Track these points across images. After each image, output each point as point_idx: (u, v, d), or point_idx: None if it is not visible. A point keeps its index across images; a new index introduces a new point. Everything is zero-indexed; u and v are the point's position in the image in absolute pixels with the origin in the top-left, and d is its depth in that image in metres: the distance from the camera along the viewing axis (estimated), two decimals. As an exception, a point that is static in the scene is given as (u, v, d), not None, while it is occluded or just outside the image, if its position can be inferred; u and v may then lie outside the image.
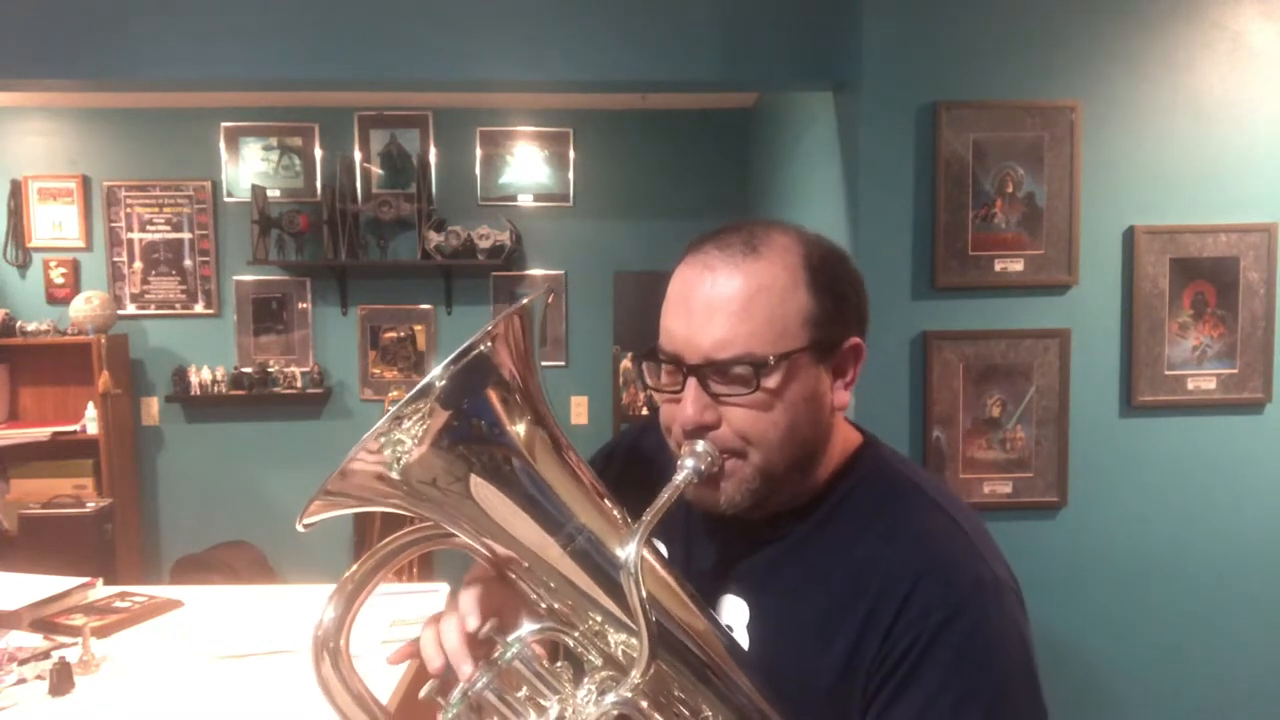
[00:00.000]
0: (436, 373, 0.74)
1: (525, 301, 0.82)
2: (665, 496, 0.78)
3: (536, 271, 4.19)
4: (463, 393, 0.76)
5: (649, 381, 0.91)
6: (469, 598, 0.84)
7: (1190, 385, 2.33)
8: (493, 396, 0.78)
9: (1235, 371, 2.33)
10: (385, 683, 1.56)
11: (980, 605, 0.79)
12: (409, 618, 1.90)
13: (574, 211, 4.20)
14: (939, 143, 2.24)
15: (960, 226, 2.26)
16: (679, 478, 0.81)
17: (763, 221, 0.89)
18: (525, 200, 4.18)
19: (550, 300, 4.19)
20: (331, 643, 0.85)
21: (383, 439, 0.75)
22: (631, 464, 1.05)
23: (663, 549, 0.98)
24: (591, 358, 4.18)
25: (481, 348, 0.76)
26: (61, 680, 1.63)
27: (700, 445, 0.83)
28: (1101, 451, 2.33)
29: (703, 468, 0.82)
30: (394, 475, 0.76)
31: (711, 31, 2.40)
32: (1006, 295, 2.29)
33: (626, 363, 4.04)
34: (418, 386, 0.74)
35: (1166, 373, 2.32)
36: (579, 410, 4.22)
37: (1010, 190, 2.26)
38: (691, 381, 0.84)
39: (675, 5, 2.39)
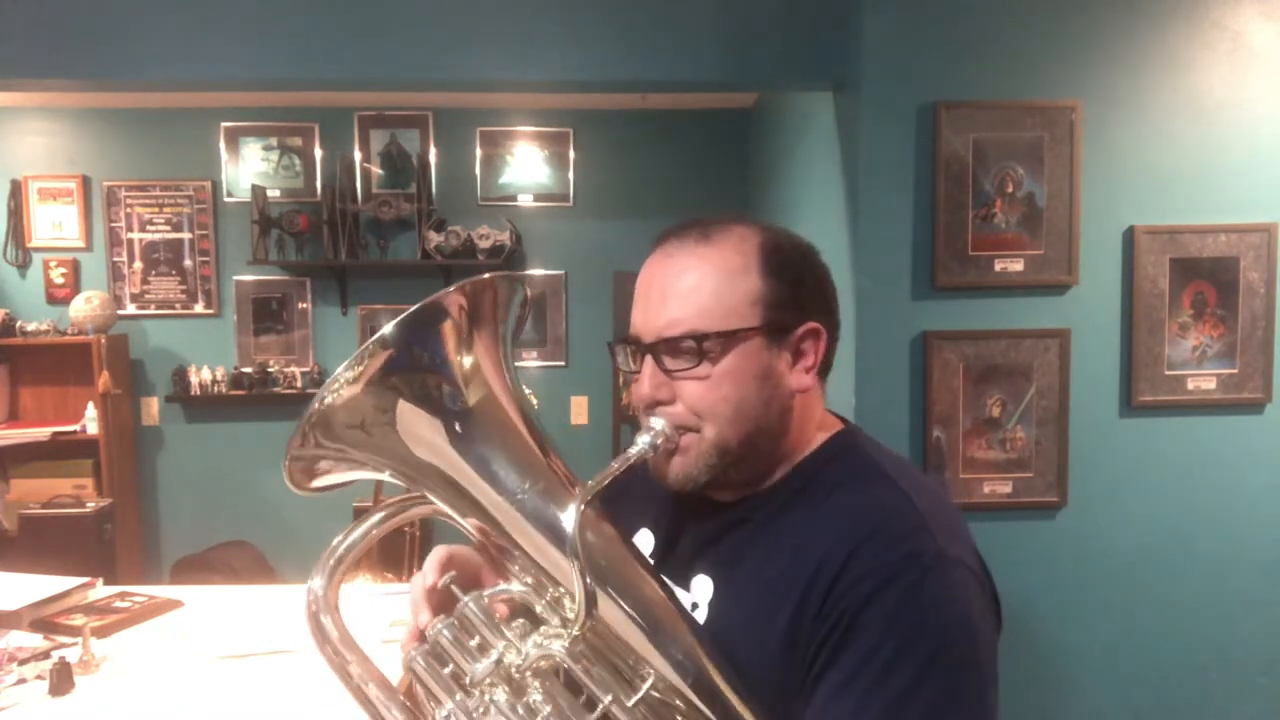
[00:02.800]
0: (391, 324, 0.83)
1: (487, 276, 0.90)
2: (615, 465, 0.84)
3: (537, 271, 4.20)
4: (417, 344, 0.85)
5: (620, 366, 0.97)
6: (433, 557, 0.92)
7: (1190, 385, 2.33)
8: (444, 346, 0.86)
9: (1235, 371, 2.33)
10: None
11: (916, 574, 0.80)
12: (409, 617, 1.89)
13: (574, 211, 4.20)
14: (939, 143, 2.24)
15: (960, 226, 2.25)
16: (633, 450, 0.87)
17: (728, 215, 0.95)
18: (525, 200, 4.18)
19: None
20: (328, 611, 0.93)
21: (334, 382, 0.84)
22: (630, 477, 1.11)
23: (649, 539, 1.02)
24: (591, 358, 4.18)
25: (441, 300, 0.85)
26: (61, 680, 1.63)
27: (656, 422, 0.89)
28: (1101, 451, 2.33)
29: (658, 443, 0.88)
30: (336, 415, 0.85)
31: (711, 31, 2.40)
32: (1006, 295, 2.29)
33: (626, 363, 4.04)
34: (374, 337, 0.83)
35: (1166, 373, 2.32)
36: (579, 410, 4.22)
37: (1010, 190, 2.26)
38: (647, 359, 0.90)
39: (675, 5, 2.39)
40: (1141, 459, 2.34)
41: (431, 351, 0.86)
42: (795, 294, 0.90)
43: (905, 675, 0.77)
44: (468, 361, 0.87)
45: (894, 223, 2.27)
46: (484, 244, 3.97)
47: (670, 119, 4.16)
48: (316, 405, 0.86)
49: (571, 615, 0.83)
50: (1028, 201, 2.26)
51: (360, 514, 0.98)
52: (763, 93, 3.77)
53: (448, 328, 0.87)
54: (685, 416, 0.89)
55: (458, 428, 0.86)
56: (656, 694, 0.82)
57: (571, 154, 4.18)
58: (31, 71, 2.38)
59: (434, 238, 3.96)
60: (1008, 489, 2.31)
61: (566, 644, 0.81)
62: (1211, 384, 2.33)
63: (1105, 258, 2.30)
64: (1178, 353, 2.32)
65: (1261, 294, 2.32)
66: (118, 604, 2.05)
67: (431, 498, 0.90)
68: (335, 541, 0.95)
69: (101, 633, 1.87)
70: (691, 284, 0.88)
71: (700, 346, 0.87)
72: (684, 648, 0.83)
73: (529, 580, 0.86)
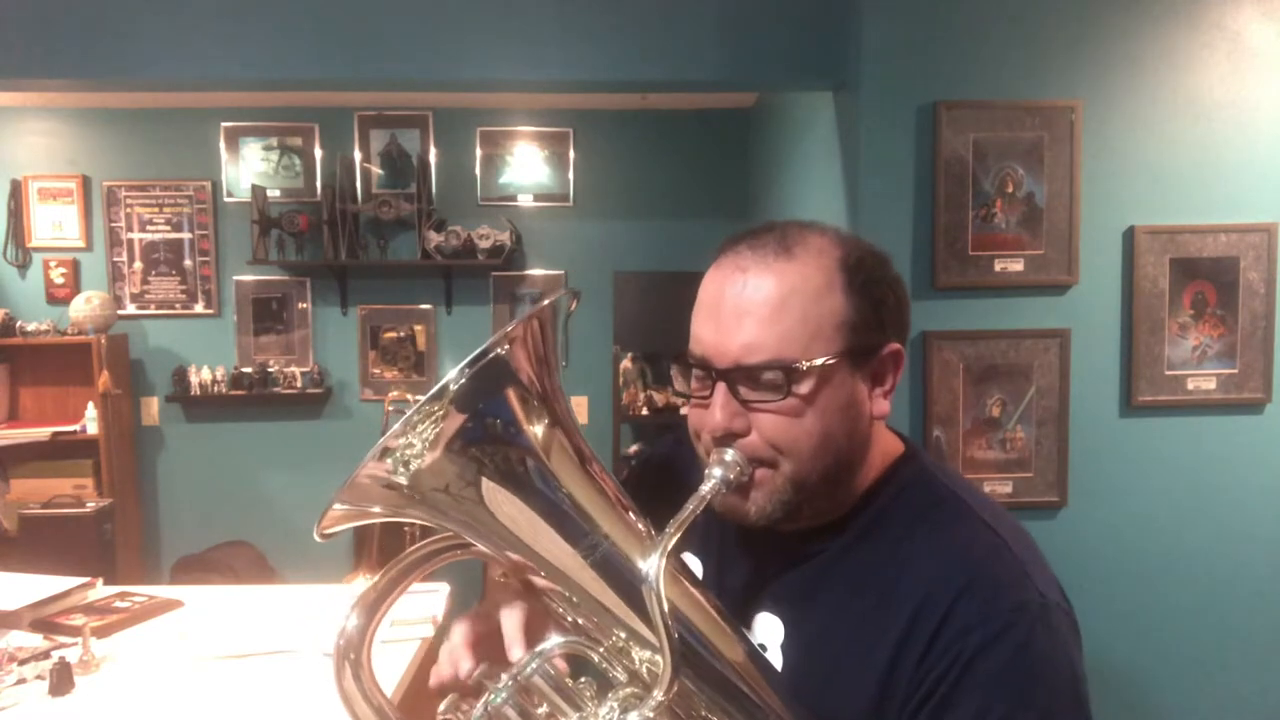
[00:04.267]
0: (452, 375, 0.72)
1: (546, 303, 0.79)
2: (690, 507, 0.75)
3: (536, 271, 4.19)
4: (478, 396, 0.73)
5: (678, 387, 0.88)
6: (488, 610, 0.82)
7: (1190, 385, 2.33)
8: (509, 400, 0.75)
9: (1235, 371, 2.33)
10: (385, 684, 1.56)
11: (1025, 627, 0.75)
12: (410, 618, 1.90)
13: (574, 211, 4.20)
14: (939, 143, 2.24)
15: (960, 226, 2.25)
16: (705, 488, 0.78)
17: (801, 222, 0.86)
18: (525, 200, 4.18)
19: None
20: (354, 654, 0.82)
21: (396, 444, 0.72)
22: (664, 478, 1.01)
23: (698, 565, 0.96)
24: (591, 358, 4.18)
25: (499, 350, 0.73)
26: (61, 680, 1.63)
27: (729, 454, 0.80)
28: (1101, 451, 2.33)
29: (731, 477, 0.79)
30: (403, 482, 0.74)
31: (711, 31, 2.39)
32: (1006, 295, 2.29)
33: (627, 363, 4.04)
34: (433, 390, 0.72)
35: (1166, 373, 2.32)
36: (579, 410, 4.22)
37: (1010, 190, 2.26)
38: (720, 387, 0.80)
39: (675, 5, 2.39)
40: (1141, 459, 2.34)
41: (506, 414, 0.75)
42: (879, 313, 0.83)
43: None
44: (539, 428, 0.77)
45: (894, 223, 2.27)
46: (484, 244, 3.97)
47: (670, 119, 4.16)
48: (391, 469, 0.74)
49: (644, 670, 0.76)
50: (1028, 201, 2.26)
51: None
52: (763, 93, 3.77)
53: (520, 380, 0.76)
54: (761, 449, 0.81)
55: (533, 483, 0.76)
56: None
57: (571, 154, 4.18)
58: (31, 71, 2.38)
59: (434, 238, 3.96)
60: (1008, 489, 2.31)
61: (651, 715, 0.71)
62: (1211, 384, 2.33)
63: (1105, 258, 2.30)
64: (1178, 353, 2.32)
65: (1261, 294, 2.32)
66: (118, 604, 2.05)
67: (482, 546, 0.80)
68: (376, 580, 0.85)
69: (101, 633, 1.87)
70: (773, 305, 0.79)
71: (786, 378, 0.78)
72: (772, 706, 0.77)
73: (585, 628, 0.79)
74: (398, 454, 0.73)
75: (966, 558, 0.80)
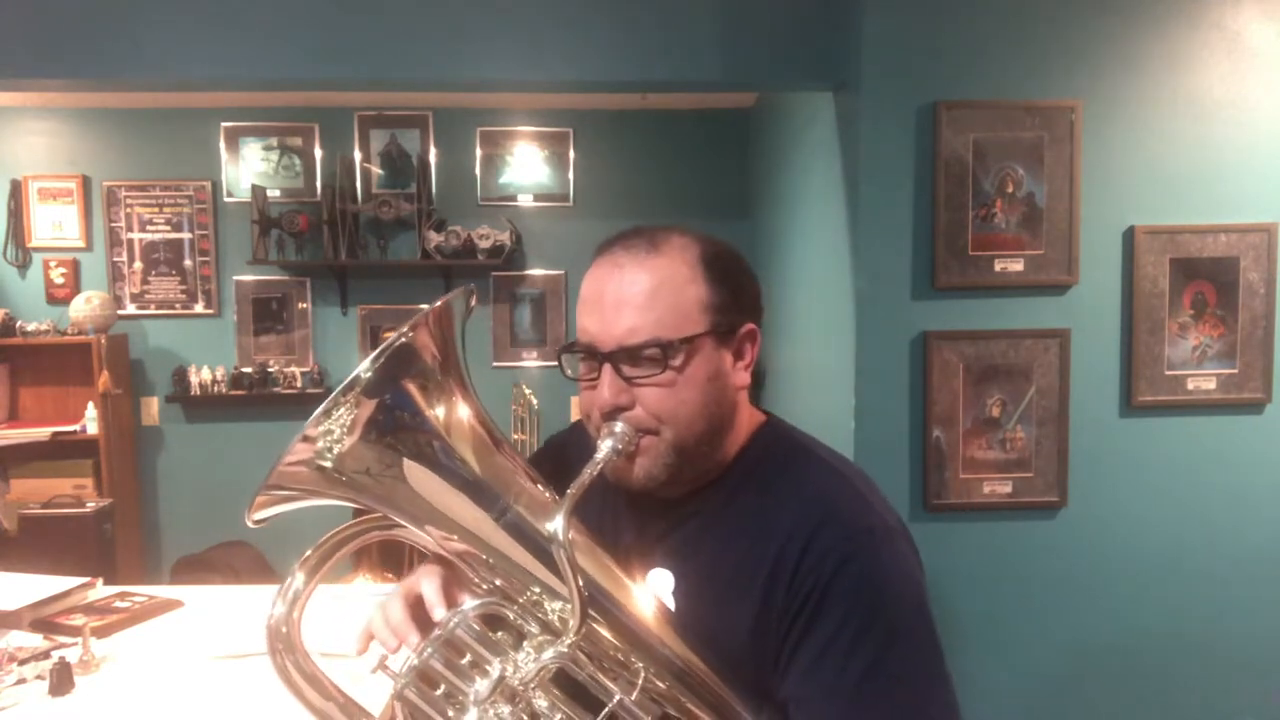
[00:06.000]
0: (363, 366, 0.82)
1: (439, 302, 0.91)
2: (587, 472, 0.87)
3: (537, 271, 4.20)
4: (386, 385, 0.85)
5: (567, 373, 1.01)
6: (432, 585, 0.92)
7: (1190, 385, 2.32)
8: (413, 387, 0.87)
9: (1235, 371, 2.33)
10: (376, 684, 1.56)
11: (872, 547, 0.89)
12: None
13: (574, 211, 4.20)
14: (939, 143, 2.24)
15: (960, 226, 2.25)
16: (599, 455, 0.90)
17: (662, 225, 0.99)
18: (525, 200, 4.18)
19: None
20: (282, 640, 0.95)
21: (317, 431, 0.83)
22: (562, 456, 1.13)
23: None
24: (591, 358, 4.18)
25: (403, 338, 0.85)
26: (61, 680, 1.62)
27: (618, 426, 0.92)
28: (1101, 451, 2.33)
29: (620, 446, 0.91)
30: (327, 465, 0.85)
31: (711, 31, 2.39)
32: (1006, 295, 2.29)
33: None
34: (345, 381, 0.82)
35: (1166, 373, 2.32)
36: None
37: (1010, 190, 2.26)
38: (606, 368, 0.93)
39: (675, 5, 2.39)
40: (1141, 459, 2.34)
41: (411, 402, 0.87)
42: (735, 298, 0.96)
43: (875, 642, 0.86)
44: (442, 407, 0.88)
45: (894, 223, 2.27)
46: (484, 244, 3.97)
47: (670, 119, 4.16)
48: (309, 454, 0.86)
49: (555, 619, 0.87)
50: (1028, 201, 2.26)
51: (361, 513, 0.98)
52: (763, 93, 3.77)
53: (423, 368, 0.88)
54: (645, 420, 0.93)
55: (441, 458, 0.88)
56: (652, 685, 0.87)
57: (571, 154, 4.18)
58: (31, 71, 2.38)
59: (434, 238, 3.96)
60: (1008, 489, 2.31)
61: (566, 650, 0.83)
62: (1211, 384, 2.33)
63: (1105, 258, 2.30)
64: (1178, 353, 2.32)
65: (1261, 294, 2.32)
66: (118, 604, 2.04)
67: (401, 521, 0.91)
68: (295, 569, 0.99)
69: (101, 633, 1.87)
70: (648, 294, 0.92)
71: (663, 354, 0.91)
72: (667, 639, 0.89)
73: (500, 589, 0.90)
74: (318, 441, 0.84)
75: (820, 497, 0.94)
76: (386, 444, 0.85)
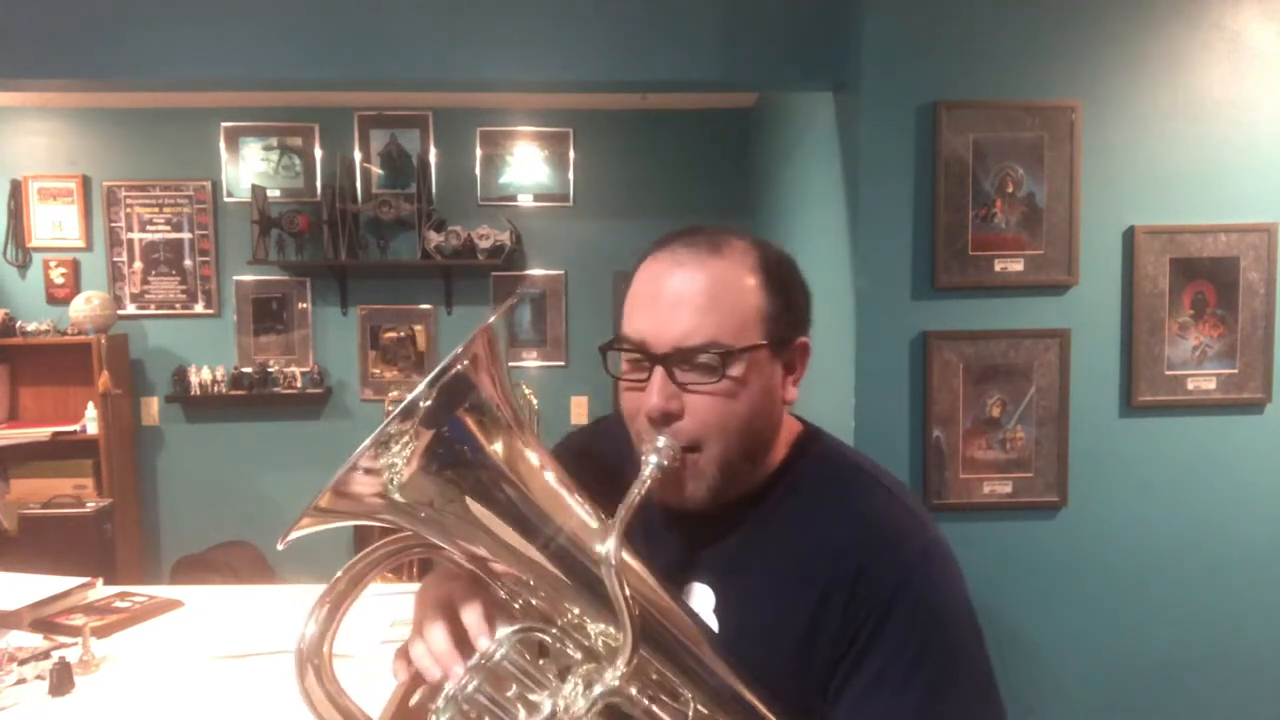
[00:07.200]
0: (419, 391, 0.75)
1: (491, 320, 0.84)
2: (635, 491, 0.81)
3: (537, 271, 4.20)
4: (447, 413, 0.78)
5: (610, 371, 0.94)
6: (475, 613, 0.84)
7: (1190, 385, 2.32)
8: (472, 416, 0.80)
9: (1235, 371, 2.33)
10: (385, 685, 1.56)
11: (926, 569, 0.87)
12: (409, 618, 1.89)
13: (574, 211, 4.20)
14: (939, 143, 2.24)
15: (960, 226, 2.25)
16: (645, 472, 0.83)
17: (722, 226, 0.94)
18: (525, 200, 4.18)
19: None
20: (315, 658, 0.86)
21: (375, 461, 0.76)
22: (580, 464, 1.06)
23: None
24: (591, 358, 4.17)
25: (459, 366, 0.78)
26: (61, 680, 1.63)
27: (662, 441, 0.85)
28: (1101, 451, 2.33)
29: (665, 462, 0.84)
30: (396, 497, 0.78)
31: (711, 31, 2.39)
32: (1006, 295, 2.29)
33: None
34: (402, 405, 0.75)
35: (1166, 373, 2.32)
36: (579, 410, 4.22)
37: (1010, 190, 2.26)
38: (658, 370, 0.86)
39: (675, 5, 2.39)
40: (1141, 459, 2.34)
41: (469, 432, 0.80)
42: (791, 309, 0.92)
43: (932, 670, 0.84)
44: (500, 440, 0.81)
45: (894, 223, 2.27)
46: (484, 244, 3.97)
47: (670, 119, 4.16)
48: (362, 481, 0.78)
49: (599, 644, 0.82)
50: (1028, 201, 2.26)
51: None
52: (763, 93, 3.77)
53: (478, 396, 0.80)
54: (692, 431, 0.87)
55: (498, 491, 0.81)
56: (700, 716, 0.82)
57: (571, 154, 4.18)
58: (31, 71, 2.38)
59: (434, 238, 3.96)
60: (1008, 489, 2.31)
61: (617, 684, 0.77)
62: (1211, 384, 2.33)
63: (1105, 258, 2.30)
64: (1178, 353, 2.32)
65: (1261, 294, 2.32)
66: (118, 604, 2.05)
67: (443, 545, 0.84)
68: (333, 583, 0.89)
69: (101, 633, 1.87)
70: (708, 295, 0.86)
71: (720, 361, 0.85)
72: (715, 666, 0.84)
73: (536, 609, 0.84)
74: (371, 469, 0.77)
75: (872, 515, 0.90)
76: (446, 477, 0.79)
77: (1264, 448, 2.35)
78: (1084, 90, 2.27)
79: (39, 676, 1.67)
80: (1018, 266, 2.27)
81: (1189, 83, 2.29)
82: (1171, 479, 2.35)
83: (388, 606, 1.98)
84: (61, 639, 1.84)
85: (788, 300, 0.91)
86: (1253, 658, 2.38)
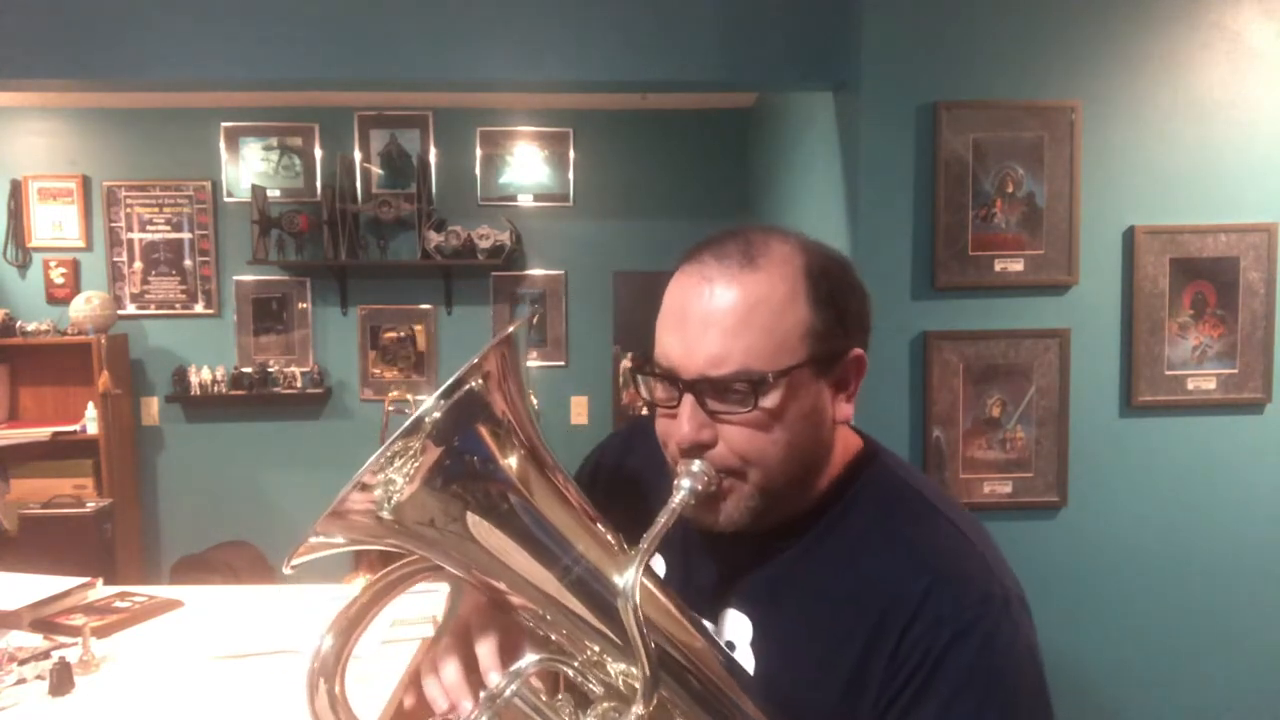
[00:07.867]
0: (428, 406, 0.71)
1: (511, 330, 0.79)
2: (662, 520, 0.75)
3: (536, 271, 4.19)
4: (455, 429, 0.72)
5: (644, 395, 0.87)
6: (489, 646, 0.81)
7: (1190, 385, 2.33)
8: (484, 432, 0.75)
9: (1235, 371, 2.33)
10: (385, 685, 1.56)
11: (991, 620, 0.77)
12: (410, 617, 1.90)
13: (574, 211, 4.20)
14: (939, 143, 2.24)
15: (960, 226, 2.25)
16: (675, 500, 0.77)
17: (762, 228, 0.85)
18: (525, 200, 4.18)
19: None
20: (327, 676, 0.82)
21: (375, 478, 0.71)
22: (619, 481, 1.02)
23: (661, 564, 0.96)
24: (591, 357, 4.18)
25: (472, 383, 0.73)
26: (61, 680, 1.62)
27: (696, 465, 0.79)
28: (1101, 451, 2.33)
29: (699, 488, 0.78)
30: (386, 516, 0.73)
31: (711, 31, 2.39)
32: (1006, 295, 2.29)
33: (626, 363, 4.04)
34: (408, 422, 0.70)
35: (1166, 373, 2.32)
36: (579, 410, 4.22)
37: (1010, 190, 2.26)
38: (687, 398, 0.80)
39: (675, 5, 2.39)
40: (1141, 459, 2.34)
41: (483, 447, 0.75)
42: (841, 320, 0.83)
43: None
44: (514, 458, 0.76)
45: (894, 223, 2.27)
46: (484, 244, 3.97)
47: (670, 119, 4.16)
48: (371, 502, 0.73)
49: (619, 683, 0.77)
50: (1028, 201, 2.26)
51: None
52: (763, 93, 3.77)
53: (494, 411, 0.75)
54: (729, 459, 0.80)
55: (513, 515, 0.76)
56: None
57: (571, 154, 4.18)
58: (31, 71, 2.38)
59: (434, 238, 3.96)
60: (1008, 489, 2.31)
61: None
62: (1211, 384, 2.33)
63: (1105, 258, 2.30)
64: (1178, 353, 2.32)
65: (1261, 294, 2.32)
66: (118, 604, 2.04)
67: (456, 571, 0.79)
68: (352, 603, 0.85)
69: (101, 633, 1.86)
70: (739, 316, 0.78)
71: (752, 389, 0.78)
72: (745, 707, 0.78)
73: (555, 644, 0.79)
74: (379, 488, 0.72)
75: (933, 553, 0.81)
76: (453, 494, 0.73)
77: (1264, 448, 2.35)
78: (1084, 90, 2.27)
79: (39, 676, 1.67)
80: (1018, 266, 2.27)
81: (1189, 83, 2.29)
82: (1171, 479, 2.35)
83: (389, 606, 1.97)
84: (61, 639, 1.84)
85: (839, 310, 0.82)
86: (1253, 657, 2.38)
